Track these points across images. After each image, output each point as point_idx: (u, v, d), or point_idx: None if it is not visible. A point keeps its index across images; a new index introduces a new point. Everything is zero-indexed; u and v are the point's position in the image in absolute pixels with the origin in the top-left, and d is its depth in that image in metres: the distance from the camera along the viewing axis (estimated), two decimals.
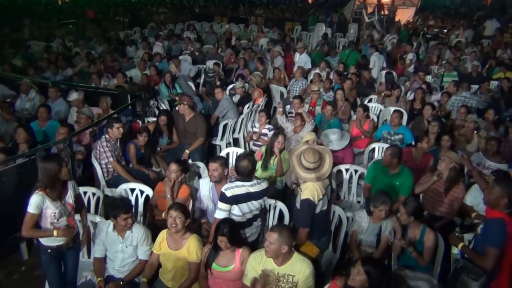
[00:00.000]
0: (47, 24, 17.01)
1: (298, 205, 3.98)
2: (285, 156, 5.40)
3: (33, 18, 16.68)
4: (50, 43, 12.55)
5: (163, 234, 3.76)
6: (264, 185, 4.08)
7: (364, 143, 6.49)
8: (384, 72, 9.70)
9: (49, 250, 3.66)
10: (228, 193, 3.84)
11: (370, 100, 8.48)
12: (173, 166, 4.47)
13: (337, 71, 9.25)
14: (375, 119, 7.36)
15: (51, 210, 3.55)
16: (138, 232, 3.80)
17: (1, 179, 4.49)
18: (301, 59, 10.65)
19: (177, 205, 3.72)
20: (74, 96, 7.02)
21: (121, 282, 3.70)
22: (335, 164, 5.47)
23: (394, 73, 9.67)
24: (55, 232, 3.60)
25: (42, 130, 6.22)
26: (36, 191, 3.52)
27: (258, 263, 3.38)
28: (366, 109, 6.72)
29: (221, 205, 3.86)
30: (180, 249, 3.67)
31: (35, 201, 3.48)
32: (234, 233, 3.51)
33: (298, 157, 3.95)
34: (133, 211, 3.85)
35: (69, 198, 3.71)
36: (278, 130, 5.73)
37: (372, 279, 2.95)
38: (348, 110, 7.42)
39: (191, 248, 3.64)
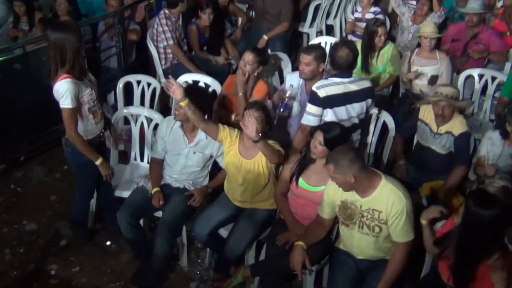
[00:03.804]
0: None
1: (446, 146, 4.10)
2: (392, 52, 5.22)
3: None
4: None
5: (233, 136, 3.76)
6: (367, 82, 3.97)
7: (510, 42, 5.99)
8: None
9: (94, 148, 3.75)
10: (321, 93, 3.74)
11: None
12: (249, 56, 4.40)
13: None
14: None
15: (86, 91, 3.55)
16: (215, 141, 3.82)
17: (39, 58, 4.63)
18: None
19: (259, 106, 3.61)
20: None
21: (207, 189, 3.93)
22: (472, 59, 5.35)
23: None
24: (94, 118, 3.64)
25: (88, 0, 6.31)
26: (63, 79, 3.40)
27: (335, 191, 3.29)
28: None
29: (310, 108, 3.79)
30: (254, 158, 3.69)
31: (70, 93, 3.40)
32: (337, 139, 3.40)
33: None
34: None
35: (89, 73, 3.72)
36: (380, 18, 5.42)
37: (482, 220, 2.80)
38: None
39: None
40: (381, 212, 3.14)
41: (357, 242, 3.32)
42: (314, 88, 3.79)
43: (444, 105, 3.99)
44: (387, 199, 3.12)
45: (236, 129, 3.79)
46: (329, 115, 3.81)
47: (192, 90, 3.74)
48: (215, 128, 3.71)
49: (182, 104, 3.50)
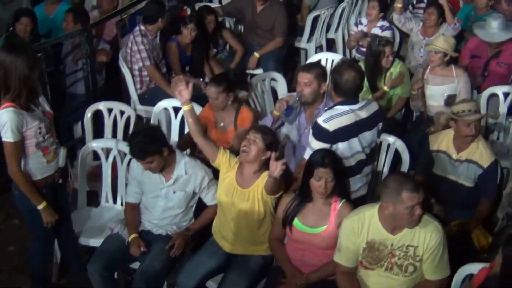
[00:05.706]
0: None
1: (472, 178, 4.09)
2: (400, 69, 5.28)
3: None
4: None
5: (232, 163, 3.78)
6: (375, 105, 4.01)
7: None
8: None
9: (44, 190, 3.73)
10: (331, 126, 3.71)
11: None
12: (210, 90, 4.39)
13: None
14: None
15: (34, 125, 3.52)
16: (196, 175, 3.83)
17: None
18: None
19: (261, 127, 3.77)
20: None
21: (188, 232, 3.90)
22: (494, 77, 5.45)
23: None
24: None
25: (50, 18, 6.34)
26: (4, 108, 3.38)
27: (358, 232, 3.25)
28: None
29: (316, 144, 3.74)
30: (249, 187, 3.68)
31: (12, 124, 3.37)
32: (340, 167, 3.47)
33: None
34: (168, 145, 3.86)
35: (44, 103, 3.71)
36: (385, 36, 5.50)
37: None
38: None
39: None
40: (417, 247, 3.15)
41: (380, 286, 3.29)
42: (321, 122, 3.75)
43: (476, 123, 4.00)
44: (424, 231, 3.14)
45: (236, 156, 3.82)
46: (341, 148, 3.80)
47: None
48: (215, 148, 3.78)
49: (185, 108, 3.65)
